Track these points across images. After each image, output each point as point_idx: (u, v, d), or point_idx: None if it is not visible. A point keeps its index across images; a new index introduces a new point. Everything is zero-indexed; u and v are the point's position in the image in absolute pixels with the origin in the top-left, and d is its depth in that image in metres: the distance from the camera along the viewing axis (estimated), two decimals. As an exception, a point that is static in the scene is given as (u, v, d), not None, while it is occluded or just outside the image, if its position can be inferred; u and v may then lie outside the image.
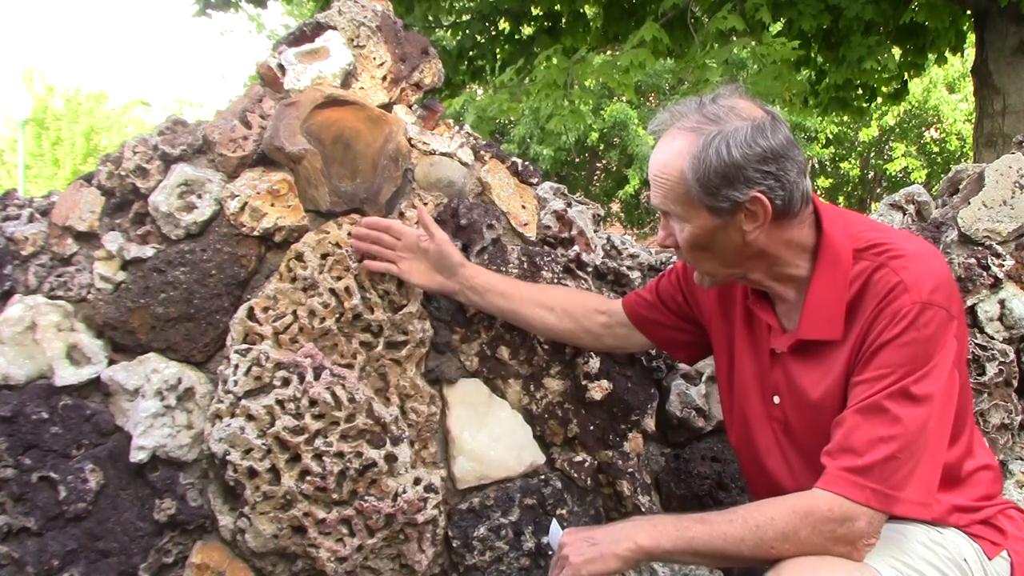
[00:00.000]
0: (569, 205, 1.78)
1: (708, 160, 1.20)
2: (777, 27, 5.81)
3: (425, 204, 1.62)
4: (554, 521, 1.49)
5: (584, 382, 1.66)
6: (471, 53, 6.51)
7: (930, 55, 6.18)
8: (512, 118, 11.09)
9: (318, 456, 1.45)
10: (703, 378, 1.73)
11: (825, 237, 1.27)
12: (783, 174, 1.21)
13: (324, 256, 1.53)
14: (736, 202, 1.21)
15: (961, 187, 2.00)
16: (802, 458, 1.32)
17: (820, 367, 1.27)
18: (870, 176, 15.49)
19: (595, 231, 1.78)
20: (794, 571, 1.13)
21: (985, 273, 1.81)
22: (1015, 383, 1.82)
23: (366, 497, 1.48)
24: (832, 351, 1.25)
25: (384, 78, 1.68)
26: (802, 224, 1.27)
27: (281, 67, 1.62)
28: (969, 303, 1.82)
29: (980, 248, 1.85)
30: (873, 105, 6.77)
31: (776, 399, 1.34)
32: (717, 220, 1.24)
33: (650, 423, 1.70)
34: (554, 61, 5.18)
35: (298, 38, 1.67)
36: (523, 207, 1.72)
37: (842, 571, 1.13)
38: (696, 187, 1.22)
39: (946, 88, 13.94)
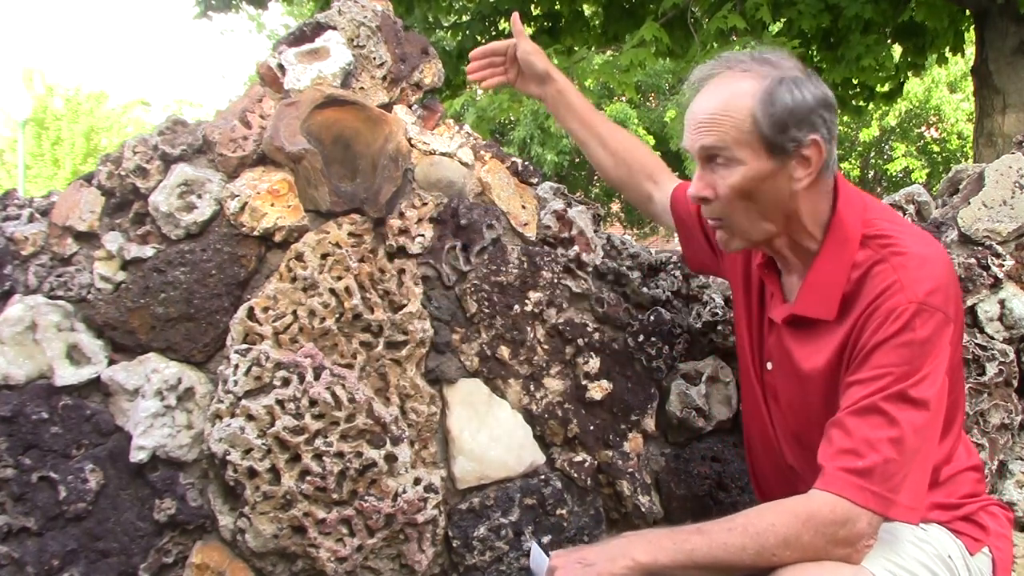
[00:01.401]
0: (569, 205, 1.78)
1: (782, 98, 1.20)
2: (777, 27, 5.81)
3: (425, 204, 1.62)
4: (535, 546, 1.43)
5: (584, 382, 1.66)
6: (472, 54, 6.50)
7: (930, 55, 6.18)
8: (513, 118, 11.08)
9: (318, 456, 1.45)
10: (703, 378, 1.73)
11: (837, 216, 1.26)
12: (832, 126, 1.23)
13: (324, 256, 1.53)
14: (798, 143, 1.21)
15: (961, 187, 2.00)
16: (783, 426, 1.35)
17: (812, 343, 1.27)
18: (870, 176, 15.49)
19: (595, 231, 1.78)
20: None
21: (985, 273, 1.81)
22: (1015, 383, 1.81)
23: (366, 497, 1.48)
24: (826, 330, 1.25)
25: (384, 78, 1.69)
26: (827, 194, 1.27)
27: (281, 67, 1.62)
28: (969, 303, 1.81)
29: (980, 248, 1.85)
30: (871, 105, 6.76)
31: (769, 365, 1.36)
32: (772, 164, 1.22)
33: (650, 423, 1.70)
34: (554, 60, 5.18)
35: (298, 38, 1.67)
36: (523, 207, 1.72)
37: None
38: (766, 123, 1.20)
39: (947, 88, 13.94)
